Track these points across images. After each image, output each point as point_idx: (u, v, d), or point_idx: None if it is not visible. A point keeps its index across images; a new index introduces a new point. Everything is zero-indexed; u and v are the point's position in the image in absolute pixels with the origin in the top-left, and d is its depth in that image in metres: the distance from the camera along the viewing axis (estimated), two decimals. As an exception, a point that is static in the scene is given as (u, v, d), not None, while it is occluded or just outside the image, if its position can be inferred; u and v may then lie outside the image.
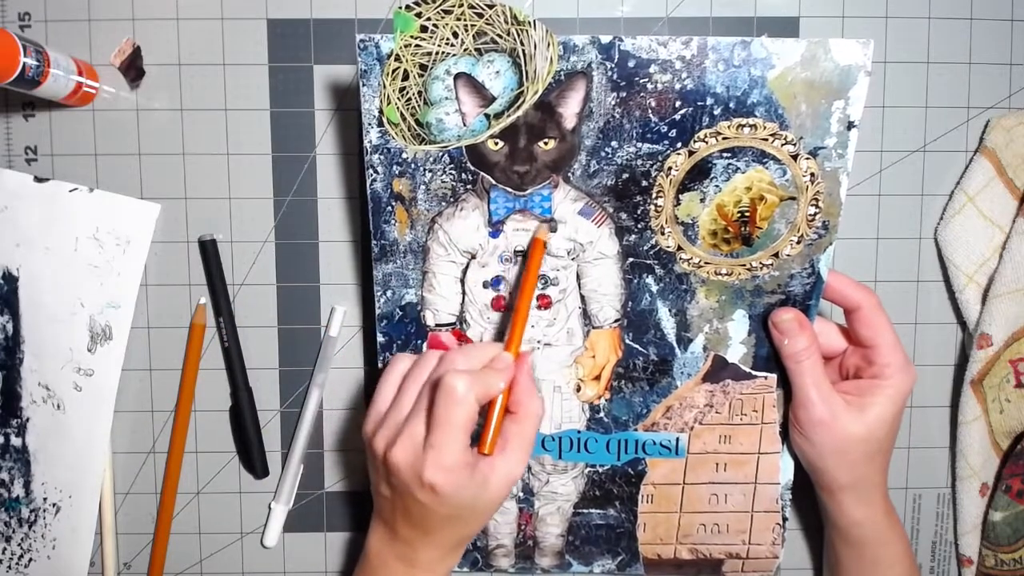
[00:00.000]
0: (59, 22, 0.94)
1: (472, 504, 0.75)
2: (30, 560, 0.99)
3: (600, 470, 0.93)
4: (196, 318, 0.96)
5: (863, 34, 0.93)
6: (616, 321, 0.87)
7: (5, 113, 0.95)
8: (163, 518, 0.98)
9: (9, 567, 0.99)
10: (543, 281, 0.86)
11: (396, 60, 0.77)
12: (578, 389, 0.90)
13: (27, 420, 0.96)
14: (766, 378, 0.89)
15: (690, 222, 0.83)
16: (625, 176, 0.81)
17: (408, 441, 0.74)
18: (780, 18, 0.94)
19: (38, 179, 0.93)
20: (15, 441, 0.97)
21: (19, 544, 0.98)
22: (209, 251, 0.95)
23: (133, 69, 0.94)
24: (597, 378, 0.89)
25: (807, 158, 0.80)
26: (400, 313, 0.87)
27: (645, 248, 0.84)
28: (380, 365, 0.89)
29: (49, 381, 0.96)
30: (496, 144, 0.80)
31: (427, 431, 0.73)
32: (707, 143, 0.80)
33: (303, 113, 0.95)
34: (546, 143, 0.80)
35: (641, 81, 0.77)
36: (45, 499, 0.97)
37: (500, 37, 0.76)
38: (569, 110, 0.79)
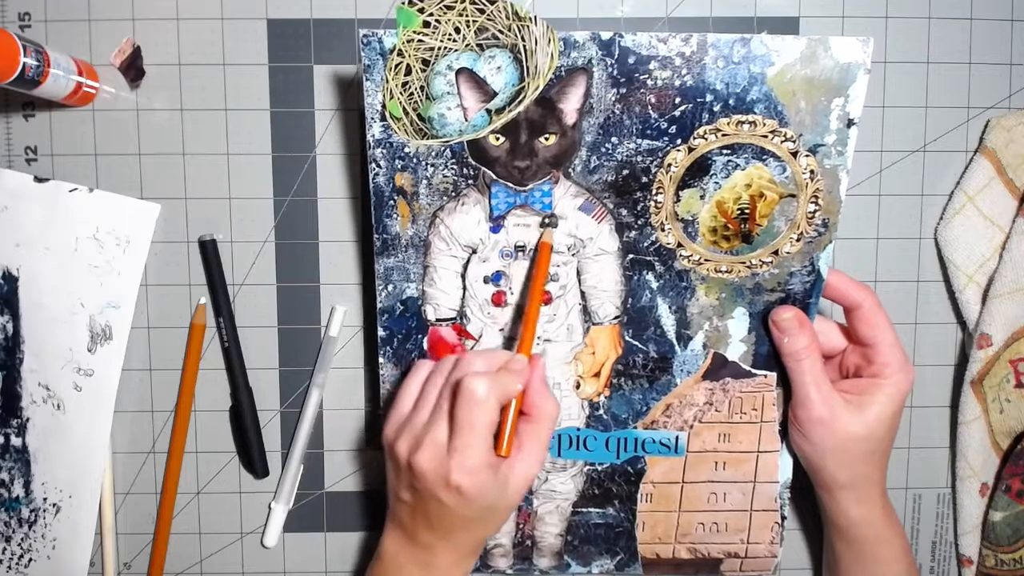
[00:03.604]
0: (59, 22, 0.94)
1: (493, 505, 0.76)
2: (30, 560, 0.98)
3: (599, 468, 0.93)
4: (196, 318, 0.96)
5: (863, 34, 0.93)
6: (616, 318, 0.87)
7: (5, 113, 0.95)
8: (163, 518, 0.98)
9: (9, 567, 0.99)
10: (543, 278, 0.86)
11: (399, 55, 0.77)
12: (577, 386, 0.90)
13: (27, 420, 0.96)
14: (766, 376, 0.89)
15: (690, 219, 0.83)
16: (625, 172, 0.81)
17: (431, 445, 0.74)
18: (780, 18, 0.94)
19: (38, 179, 0.93)
20: (15, 441, 0.97)
21: (19, 544, 0.98)
22: (209, 251, 0.95)
23: (133, 69, 0.94)
24: (597, 375, 0.89)
25: (807, 155, 0.80)
26: (401, 307, 0.87)
27: (645, 244, 0.84)
28: (381, 360, 0.89)
29: (49, 381, 0.96)
30: (497, 139, 0.80)
31: (450, 434, 0.74)
32: (707, 140, 0.80)
33: (303, 113, 0.95)
34: (547, 139, 0.80)
35: (641, 77, 0.78)
36: (45, 499, 0.97)
37: (501, 33, 0.76)
38: (570, 106, 0.79)
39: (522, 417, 0.78)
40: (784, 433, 0.91)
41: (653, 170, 0.81)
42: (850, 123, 0.79)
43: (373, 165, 0.81)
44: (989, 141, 0.94)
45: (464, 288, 0.87)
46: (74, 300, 0.94)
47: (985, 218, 0.94)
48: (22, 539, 0.98)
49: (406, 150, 0.81)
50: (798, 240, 0.83)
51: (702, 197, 0.82)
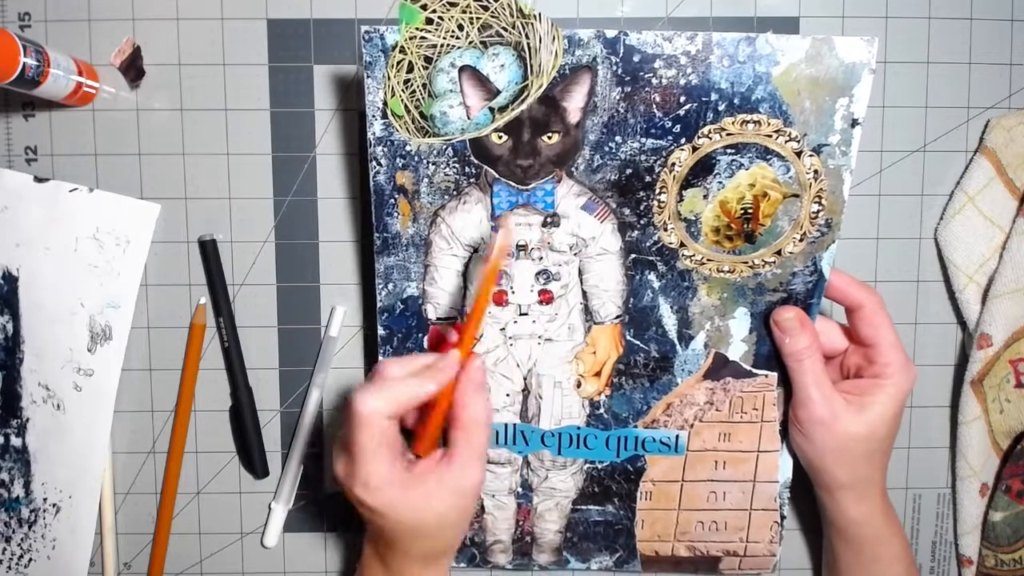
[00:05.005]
0: (59, 22, 0.94)
1: (421, 520, 0.74)
2: (30, 560, 0.98)
3: (599, 466, 0.93)
4: (196, 318, 0.96)
5: (863, 34, 0.93)
6: (617, 317, 0.87)
7: (5, 113, 0.95)
8: (163, 518, 0.98)
9: (9, 567, 0.98)
10: (545, 276, 0.86)
11: (401, 52, 0.77)
12: (578, 385, 0.90)
13: (27, 420, 0.96)
14: (767, 376, 0.89)
15: (693, 218, 0.83)
16: (628, 171, 0.81)
17: (342, 462, 0.75)
18: (780, 18, 0.94)
19: (38, 179, 0.93)
20: (15, 441, 0.96)
21: (19, 544, 0.98)
22: (209, 251, 0.95)
23: (133, 69, 0.94)
24: (597, 374, 0.89)
25: (811, 155, 0.80)
26: (401, 306, 0.87)
27: (648, 244, 0.84)
28: (381, 359, 0.89)
29: (49, 381, 0.95)
30: (500, 138, 0.80)
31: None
32: (711, 139, 0.80)
33: (303, 113, 0.95)
34: (550, 137, 0.80)
35: (646, 76, 0.78)
36: (45, 499, 0.97)
37: (505, 30, 0.76)
38: (573, 104, 0.79)
39: (453, 424, 0.76)
40: (784, 433, 0.91)
41: (656, 169, 0.81)
42: (854, 123, 0.79)
43: (374, 163, 0.81)
44: (989, 141, 0.94)
45: (465, 287, 0.86)
46: (74, 300, 0.94)
47: (985, 218, 0.94)
48: (22, 539, 0.98)
49: (407, 148, 0.81)
50: (801, 240, 0.83)
51: (705, 197, 0.82)
